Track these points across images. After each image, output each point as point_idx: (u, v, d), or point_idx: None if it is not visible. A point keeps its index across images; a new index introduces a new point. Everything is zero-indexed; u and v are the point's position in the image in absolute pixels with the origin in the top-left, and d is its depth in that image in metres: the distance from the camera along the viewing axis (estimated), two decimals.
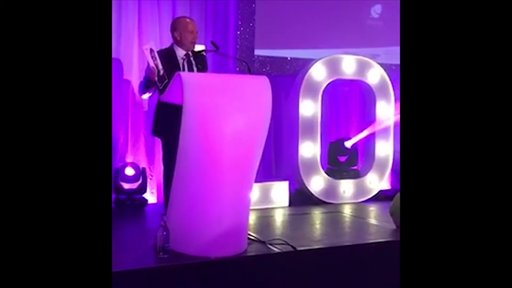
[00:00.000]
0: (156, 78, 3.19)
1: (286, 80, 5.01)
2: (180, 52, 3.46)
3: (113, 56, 4.43)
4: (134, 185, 4.35)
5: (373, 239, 3.49)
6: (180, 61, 3.44)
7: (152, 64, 3.15)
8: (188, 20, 3.53)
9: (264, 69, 4.91)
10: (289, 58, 5.05)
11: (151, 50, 3.16)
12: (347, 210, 4.52)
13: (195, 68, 3.48)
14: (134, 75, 4.51)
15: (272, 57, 4.99)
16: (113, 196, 4.33)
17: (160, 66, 3.18)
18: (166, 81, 3.16)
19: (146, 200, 4.41)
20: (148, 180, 4.49)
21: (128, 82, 4.51)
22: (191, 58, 3.47)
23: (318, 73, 4.75)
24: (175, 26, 3.50)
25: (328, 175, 4.83)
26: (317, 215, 4.32)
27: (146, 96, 3.45)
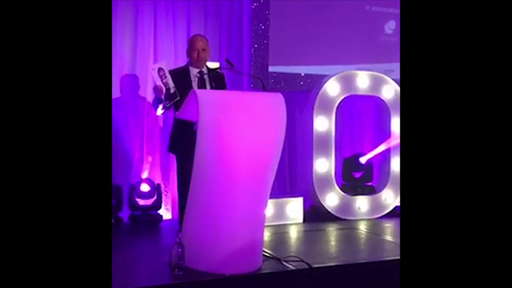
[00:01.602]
0: (162, 96, 3.22)
1: (300, 96, 5.03)
2: (194, 71, 3.49)
3: (129, 72, 4.52)
4: (149, 201, 4.37)
5: (389, 256, 3.45)
6: (194, 79, 3.46)
7: (159, 83, 3.21)
8: (196, 37, 3.55)
9: (278, 86, 4.94)
10: (303, 75, 5.08)
11: (160, 69, 3.22)
12: (362, 227, 4.48)
13: (208, 86, 3.49)
14: (149, 92, 4.56)
15: (286, 73, 5.02)
16: (128, 212, 4.36)
17: (172, 84, 3.23)
18: (178, 98, 3.20)
19: (161, 216, 4.43)
20: (163, 196, 4.51)
21: (143, 99, 4.57)
22: (205, 76, 3.49)
23: (332, 89, 4.76)
24: (188, 45, 3.57)
25: (343, 191, 4.81)
26: (332, 232, 4.29)
27: (159, 112, 3.49)
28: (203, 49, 3.48)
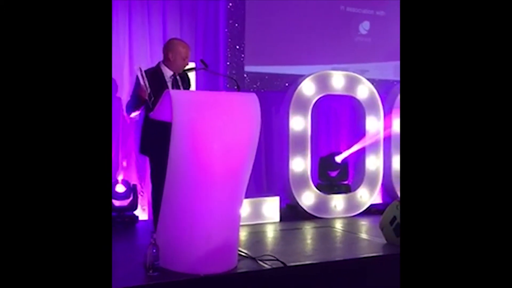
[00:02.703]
0: (146, 97, 3.21)
1: (276, 96, 5.06)
2: (168, 72, 3.46)
3: None
4: (125, 202, 4.34)
5: (364, 253, 3.50)
6: (168, 81, 3.45)
7: (142, 82, 3.17)
8: (184, 45, 3.49)
9: (254, 85, 4.96)
10: (278, 74, 5.10)
11: (140, 70, 3.20)
12: (338, 225, 4.53)
13: (181, 87, 3.51)
14: (124, 93, 4.53)
15: (262, 73, 5.04)
16: None
17: (147, 85, 3.20)
18: (153, 99, 3.18)
19: (137, 217, 4.40)
20: (139, 197, 4.48)
21: (118, 100, 4.53)
22: (177, 77, 3.50)
23: (308, 88, 4.80)
24: (171, 47, 3.46)
25: (319, 190, 4.85)
26: (308, 230, 4.33)
27: (133, 114, 3.47)
28: (188, 58, 3.50)
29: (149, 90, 3.20)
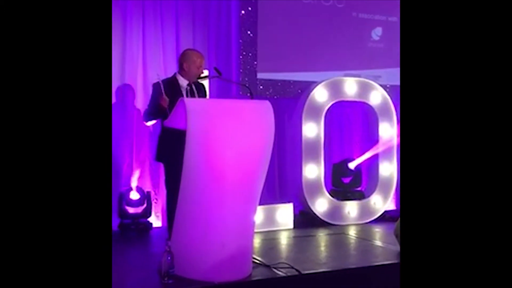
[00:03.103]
0: (166, 106, 3.29)
1: (289, 103, 5.06)
2: (183, 82, 3.54)
3: (118, 81, 4.52)
4: (139, 209, 4.36)
5: (378, 261, 3.47)
6: (183, 90, 3.52)
7: (163, 95, 3.28)
8: (198, 55, 3.60)
9: (267, 92, 4.97)
10: (291, 81, 5.11)
11: (159, 84, 3.30)
12: (352, 232, 4.51)
13: (196, 96, 3.58)
14: (139, 101, 4.57)
15: (275, 80, 5.05)
16: (118, 220, 4.34)
17: (166, 97, 3.30)
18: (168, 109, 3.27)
19: (151, 224, 4.42)
20: (153, 204, 4.50)
21: (133, 107, 4.57)
22: (193, 87, 3.58)
23: (321, 95, 4.80)
24: (185, 57, 3.57)
25: (332, 196, 4.84)
26: (322, 237, 4.31)
27: (151, 123, 3.53)
28: (203, 67, 3.58)
29: (167, 101, 3.28)
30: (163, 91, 3.31)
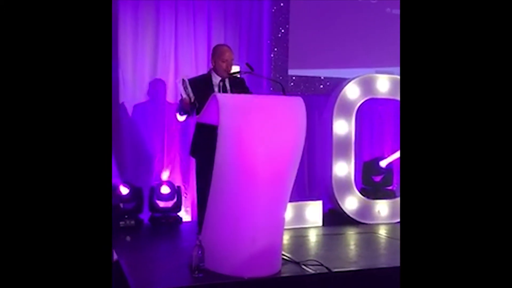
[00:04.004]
0: (189, 108, 3.30)
1: (320, 100, 5.02)
2: (216, 78, 3.53)
3: (150, 77, 4.58)
4: (169, 203, 4.41)
5: None
6: (216, 87, 3.50)
7: (184, 95, 3.25)
8: (224, 48, 3.58)
9: (298, 89, 4.94)
10: (322, 78, 5.06)
11: (183, 81, 3.27)
12: (382, 231, 4.45)
13: (229, 92, 3.53)
14: (170, 95, 4.62)
15: (306, 76, 5.01)
16: (149, 214, 4.41)
17: (191, 95, 3.28)
18: (197, 105, 3.25)
19: (181, 218, 4.46)
20: (183, 199, 4.55)
21: (163, 102, 4.61)
22: (226, 83, 3.54)
23: (352, 92, 4.75)
24: (213, 53, 3.58)
25: (363, 195, 4.78)
26: (352, 236, 4.27)
27: (181, 119, 3.53)
28: (231, 60, 3.54)
29: (192, 98, 3.26)
30: (184, 94, 3.27)
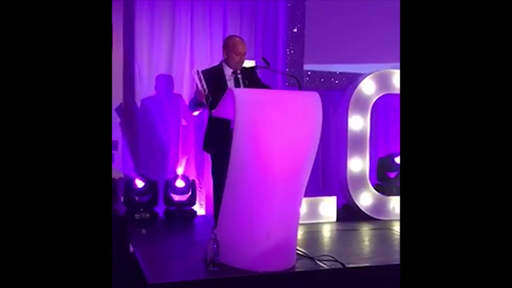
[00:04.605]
0: (204, 100, 3.27)
1: (335, 95, 4.99)
2: (228, 71, 3.49)
3: (165, 71, 4.60)
4: (184, 197, 4.44)
5: None
6: (229, 79, 3.47)
7: (200, 87, 3.24)
8: (238, 40, 3.53)
9: (313, 84, 4.92)
10: (338, 73, 5.04)
11: (197, 72, 3.25)
12: (396, 227, 4.42)
13: (242, 85, 3.49)
14: (185, 91, 4.64)
15: (321, 71, 4.99)
16: (164, 207, 4.44)
17: (205, 86, 3.25)
18: (210, 99, 3.23)
19: (195, 212, 4.49)
20: (197, 192, 4.57)
21: (179, 97, 4.64)
22: (238, 75, 3.49)
23: (368, 87, 4.72)
24: (225, 44, 3.53)
25: (377, 191, 4.76)
26: (366, 232, 4.26)
27: (195, 113, 3.53)
28: (244, 53, 3.50)
29: (207, 91, 3.24)
30: (199, 85, 3.24)
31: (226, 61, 3.51)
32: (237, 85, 3.49)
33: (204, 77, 3.26)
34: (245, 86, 3.50)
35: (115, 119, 4.49)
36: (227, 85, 3.43)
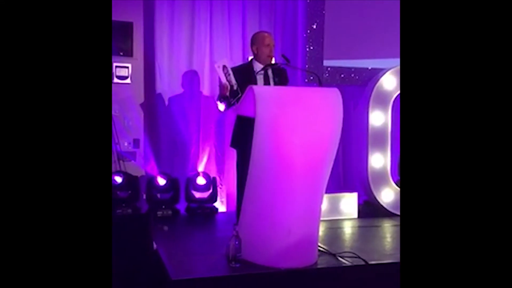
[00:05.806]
0: (227, 93, 3.26)
1: (355, 90, 4.96)
2: (257, 66, 3.48)
3: (186, 68, 4.63)
4: (205, 194, 4.47)
5: None
6: (259, 75, 3.46)
7: (224, 80, 3.24)
8: (265, 34, 3.54)
9: (333, 80, 4.89)
10: (358, 68, 5.00)
11: (224, 67, 3.25)
12: None
13: (271, 82, 3.48)
14: (205, 87, 4.67)
15: (341, 67, 4.96)
16: (185, 204, 4.48)
17: (234, 82, 3.26)
18: (240, 95, 3.23)
19: (217, 209, 4.52)
20: (218, 190, 4.60)
21: (200, 94, 4.67)
22: (269, 72, 3.49)
23: (389, 83, 4.67)
24: (253, 40, 3.53)
25: (399, 186, 4.72)
26: (387, 228, 4.23)
27: (221, 108, 3.53)
28: (273, 46, 3.50)
29: (235, 86, 3.25)
30: (223, 79, 3.23)
31: (255, 57, 3.51)
32: (266, 82, 3.47)
33: (234, 74, 3.27)
34: (275, 83, 3.49)
35: (138, 117, 4.55)
36: (256, 82, 3.42)
